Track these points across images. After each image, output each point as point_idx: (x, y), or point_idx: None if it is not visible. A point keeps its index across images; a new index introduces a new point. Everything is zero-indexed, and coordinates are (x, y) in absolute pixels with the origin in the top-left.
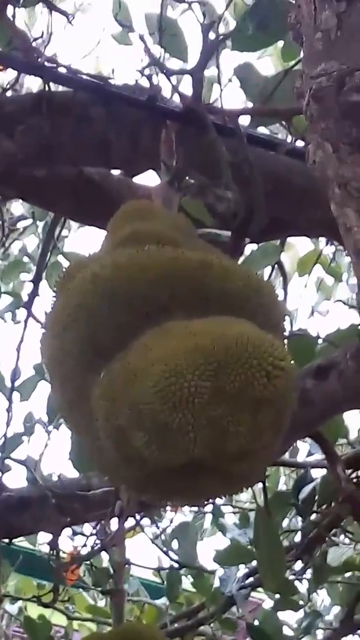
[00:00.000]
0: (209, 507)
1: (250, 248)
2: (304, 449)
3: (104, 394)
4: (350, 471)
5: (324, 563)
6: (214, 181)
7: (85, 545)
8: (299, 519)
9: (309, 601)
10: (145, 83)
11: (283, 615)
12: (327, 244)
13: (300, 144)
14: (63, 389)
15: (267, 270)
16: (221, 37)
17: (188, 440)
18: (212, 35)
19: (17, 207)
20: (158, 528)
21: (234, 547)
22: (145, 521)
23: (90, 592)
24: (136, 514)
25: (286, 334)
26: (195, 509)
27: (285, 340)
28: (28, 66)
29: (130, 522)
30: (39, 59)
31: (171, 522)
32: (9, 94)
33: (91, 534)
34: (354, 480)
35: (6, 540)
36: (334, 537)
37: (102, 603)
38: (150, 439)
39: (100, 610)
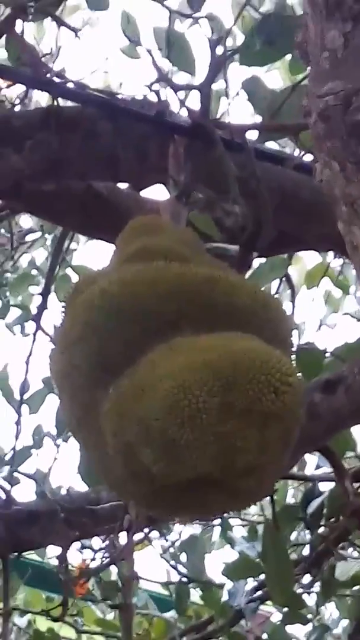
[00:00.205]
0: (217, 520)
1: (257, 261)
2: (312, 462)
3: (112, 409)
4: (358, 485)
5: (332, 577)
6: (221, 195)
7: (94, 559)
8: (307, 532)
9: (317, 614)
10: (153, 97)
11: (291, 628)
12: (334, 257)
13: (307, 158)
14: (72, 405)
15: (275, 283)
16: (229, 52)
17: (196, 456)
18: (219, 50)
19: (26, 220)
20: (166, 541)
21: (242, 560)
22: (154, 534)
23: (99, 605)
24: (145, 528)
25: (294, 347)
26: (204, 522)
27: (293, 354)
28: (36, 81)
29: (138, 535)
30: (48, 74)
31: (180, 535)
32: (17, 108)
33: (100, 549)
34: None
35: (15, 554)
36: (342, 551)
37: (110, 616)
38: (159, 454)
39: (109, 623)
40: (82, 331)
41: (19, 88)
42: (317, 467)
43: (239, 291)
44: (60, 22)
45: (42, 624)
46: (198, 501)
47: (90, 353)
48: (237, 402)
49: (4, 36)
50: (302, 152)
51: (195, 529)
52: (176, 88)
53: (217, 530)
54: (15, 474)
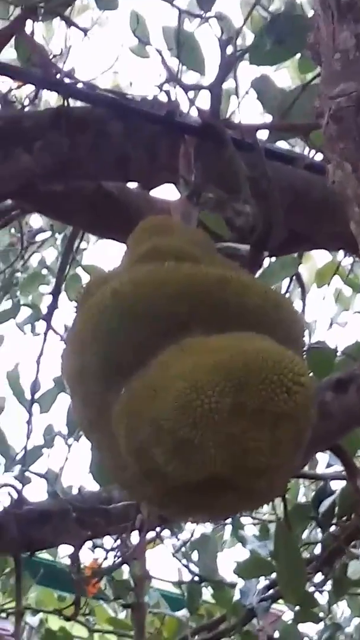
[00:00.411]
0: (228, 519)
1: (268, 261)
2: (323, 461)
3: (124, 410)
4: None
5: (344, 575)
6: (232, 195)
7: (106, 558)
8: (319, 530)
9: (329, 613)
10: (163, 97)
11: (303, 627)
12: (345, 255)
13: (318, 157)
14: (84, 406)
15: (285, 282)
16: (239, 52)
17: (208, 457)
18: (229, 50)
19: (36, 219)
20: (178, 540)
21: (254, 559)
22: (165, 533)
23: (111, 604)
24: (156, 527)
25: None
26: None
27: (304, 354)
28: (46, 82)
29: (150, 534)
30: (58, 75)
31: (192, 535)
32: (27, 109)
33: (112, 548)
34: None
35: (27, 553)
36: (354, 549)
37: (122, 615)
38: (171, 455)
39: (121, 622)
40: (94, 332)
41: (29, 88)
42: (328, 465)
43: (251, 291)
44: (69, 22)
45: (54, 623)
46: (210, 502)
47: (102, 354)
48: (249, 402)
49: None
50: (313, 152)
51: (206, 527)
52: (186, 88)
53: (228, 529)
54: (27, 474)
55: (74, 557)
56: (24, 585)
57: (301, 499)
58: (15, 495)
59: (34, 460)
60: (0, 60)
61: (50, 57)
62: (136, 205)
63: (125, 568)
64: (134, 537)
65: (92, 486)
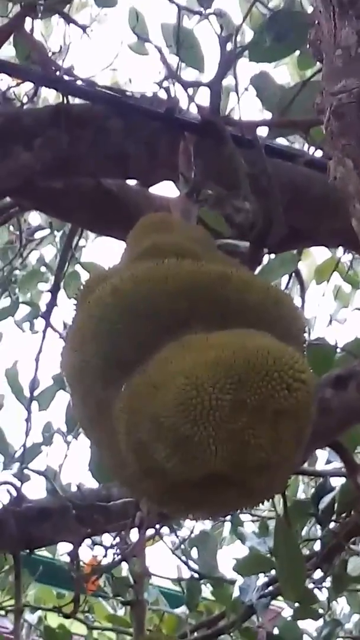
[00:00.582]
0: (228, 516)
1: (267, 257)
2: (323, 457)
3: (125, 407)
4: None
5: (343, 572)
6: (232, 192)
7: (105, 555)
8: (319, 527)
9: (328, 610)
10: (162, 94)
11: (303, 623)
12: (344, 252)
13: (318, 154)
14: (84, 403)
15: (285, 278)
16: (239, 49)
17: (209, 453)
18: (229, 47)
19: (35, 217)
20: (177, 537)
21: (253, 556)
22: (165, 530)
23: (110, 601)
24: (156, 524)
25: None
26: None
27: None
28: (45, 79)
29: (149, 531)
30: (57, 72)
31: (191, 532)
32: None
33: (111, 546)
34: None
35: (26, 551)
36: (354, 546)
37: (121, 612)
38: (172, 452)
39: (120, 619)
40: (95, 329)
41: (28, 85)
42: (328, 462)
43: (251, 288)
44: (68, 20)
45: (53, 620)
46: (210, 498)
47: (102, 351)
48: (249, 399)
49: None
50: (313, 148)
51: (205, 524)
52: (186, 85)
53: (227, 526)
54: (26, 471)
55: (73, 554)
56: (23, 583)
57: (301, 495)
58: (14, 493)
59: (33, 457)
60: None
61: (50, 54)
62: (135, 202)
63: (125, 565)
64: (133, 535)
65: (92, 483)
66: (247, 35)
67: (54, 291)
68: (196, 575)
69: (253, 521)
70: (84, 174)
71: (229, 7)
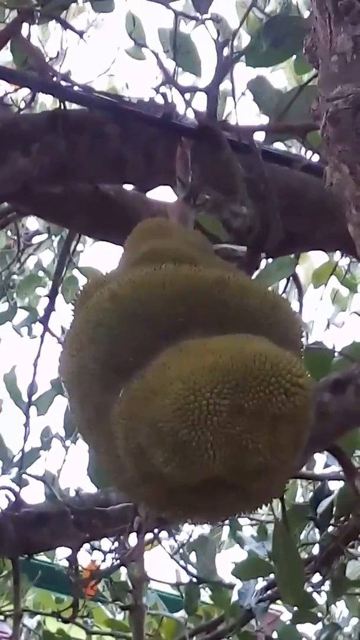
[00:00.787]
0: (226, 520)
1: (265, 262)
2: (321, 461)
3: (123, 412)
4: None
5: (342, 575)
6: (229, 197)
7: (104, 560)
8: (317, 530)
9: (327, 613)
10: (159, 99)
11: (302, 627)
12: (342, 255)
13: (315, 158)
14: (82, 407)
15: (282, 282)
16: (235, 54)
17: (207, 458)
18: (226, 52)
19: (33, 222)
20: (176, 541)
21: (252, 560)
22: (164, 534)
23: (109, 606)
24: (154, 528)
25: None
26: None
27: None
28: (43, 85)
29: (148, 536)
30: (54, 78)
31: (190, 536)
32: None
33: (110, 550)
34: None
35: (25, 556)
36: (352, 550)
37: (120, 616)
38: (170, 456)
39: (119, 623)
40: (93, 334)
41: (25, 91)
42: (326, 465)
43: (249, 293)
44: (65, 25)
45: (52, 624)
46: (209, 503)
47: (100, 356)
48: (247, 403)
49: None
50: (310, 153)
51: (204, 529)
52: (183, 90)
53: (226, 530)
54: (24, 476)
55: (72, 559)
56: (21, 588)
57: (299, 499)
58: (12, 498)
59: (32, 462)
60: None
61: (47, 59)
62: (133, 207)
63: (123, 570)
64: (132, 539)
65: (90, 488)
66: (244, 39)
67: (52, 296)
68: (195, 580)
69: (252, 525)
70: (81, 179)
71: (225, 11)
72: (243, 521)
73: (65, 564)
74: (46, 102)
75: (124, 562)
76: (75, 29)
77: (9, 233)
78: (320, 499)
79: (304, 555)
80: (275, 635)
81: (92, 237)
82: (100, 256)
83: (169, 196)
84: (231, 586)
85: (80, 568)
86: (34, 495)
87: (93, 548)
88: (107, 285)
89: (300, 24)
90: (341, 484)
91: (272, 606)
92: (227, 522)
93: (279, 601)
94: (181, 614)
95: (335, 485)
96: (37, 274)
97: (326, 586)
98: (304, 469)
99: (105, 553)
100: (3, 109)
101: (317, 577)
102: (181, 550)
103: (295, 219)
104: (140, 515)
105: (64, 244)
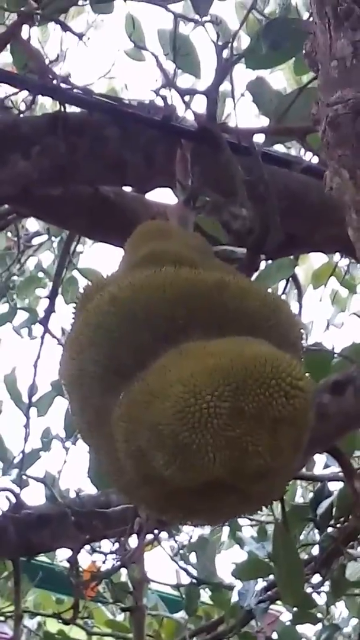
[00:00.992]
0: (226, 521)
1: (264, 263)
2: (321, 462)
3: (123, 415)
4: None
5: (342, 576)
6: (229, 199)
7: (105, 561)
8: (317, 531)
9: (327, 614)
10: (159, 102)
11: (301, 628)
12: (341, 256)
13: (315, 160)
14: (82, 410)
15: (282, 283)
16: (235, 56)
17: (207, 461)
18: (225, 53)
19: (33, 223)
20: (176, 542)
21: (252, 561)
22: (164, 535)
23: (109, 607)
24: (155, 529)
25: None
26: None
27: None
28: (43, 88)
29: (148, 537)
30: (54, 81)
31: (190, 537)
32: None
33: (110, 552)
34: None
35: (26, 557)
36: (352, 550)
37: (120, 617)
38: (170, 459)
39: (119, 624)
40: (93, 337)
41: (25, 93)
42: (326, 466)
43: (249, 295)
44: (65, 27)
45: (52, 625)
46: (210, 505)
47: (101, 358)
48: (247, 406)
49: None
50: (310, 154)
51: (204, 530)
52: (182, 93)
53: (226, 531)
54: (25, 477)
55: (73, 560)
56: (22, 589)
57: (299, 500)
58: (13, 499)
59: (32, 463)
60: None
61: (47, 62)
62: (133, 209)
63: (124, 571)
64: (132, 540)
65: (90, 489)
66: (244, 40)
67: (52, 297)
68: (195, 581)
69: (252, 526)
70: (81, 182)
71: (224, 12)
72: (243, 522)
73: (66, 565)
74: (46, 104)
75: (124, 563)
76: (75, 31)
77: (9, 234)
78: (320, 500)
79: (303, 556)
80: (275, 635)
81: (92, 239)
82: (100, 257)
83: (169, 198)
84: (231, 587)
85: (80, 569)
86: (35, 496)
87: (93, 549)
88: (107, 288)
89: (299, 26)
90: (341, 484)
91: (272, 607)
92: (227, 523)
93: (279, 602)
94: (181, 615)
95: (335, 486)
96: (37, 275)
97: (326, 587)
98: (304, 469)
99: (105, 554)
100: (3, 112)
101: (317, 578)
102: (181, 551)
103: (294, 221)
104: (141, 516)
105: (63, 245)
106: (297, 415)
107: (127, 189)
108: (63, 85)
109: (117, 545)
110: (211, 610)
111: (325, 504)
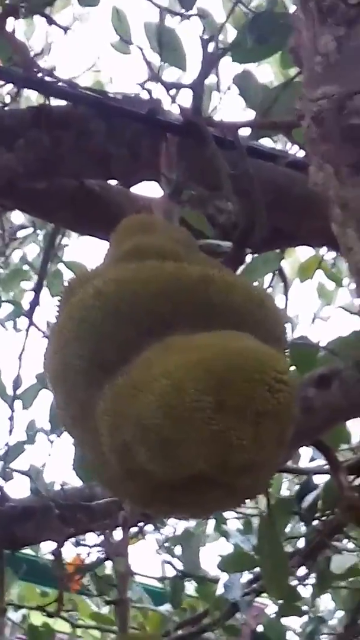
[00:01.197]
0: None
1: (250, 257)
2: (306, 455)
3: (107, 409)
4: (352, 478)
5: (327, 569)
6: (214, 193)
7: (89, 554)
8: (302, 524)
9: (312, 606)
10: (144, 95)
11: (287, 620)
12: (328, 250)
13: (301, 154)
14: (66, 404)
15: (268, 276)
16: (221, 49)
17: (191, 454)
18: (211, 47)
19: (18, 216)
20: (161, 535)
21: (237, 553)
22: (149, 527)
23: (94, 599)
24: (139, 522)
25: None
26: None
27: (287, 350)
28: (27, 81)
29: (133, 530)
30: (39, 74)
31: (175, 530)
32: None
33: (95, 545)
34: (357, 486)
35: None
36: (337, 543)
37: (105, 610)
38: (154, 453)
39: (103, 617)
40: (77, 331)
41: (10, 86)
42: (312, 459)
43: (234, 289)
44: (50, 20)
45: (37, 618)
46: (194, 499)
47: (85, 352)
48: (231, 400)
49: None
50: (295, 148)
51: (189, 522)
52: (168, 86)
53: (211, 523)
54: (9, 470)
55: (57, 553)
56: (6, 582)
57: (284, 493)
58: None
59: (16, 456)
60: None
61: (32, 54)
62: (118, 203)
63: (109, 564)
64: (117, 534)
65: (75, 482)
66: (230, 33)
67: (37, 290)
68: (180, 574)
69: (237, 518)
70: (66, 175)
71: (211, 5)
72: (228, 515)
73: (50, 557)
74: (32, 97)
75: (109, 556)
76: (60, 24)
77: None
78: (305, 493)
79: (289, 548)
80: (260, 628)
81: (77, 232)
82: (86, 250)
83: (154, 192)
84: (216, 580)
85: (65, 562)
86: (19, 489)
87: (78, 542)
88: (92, 282)
89: (285, 20)
90: (326, 478)
91: (257, 599)
92: (212, 516)
93: (264, 594)
94: (166, 608)
95: (320, 479)
96: (22, 268)
97: (311, 579)
98: (289, 462)
99: (90, 547)
100: None
101: (302, 571)
102: (166, 544)
103: (280, 215)
104: (125, 509)
105: (49, 238)
106: (281, 409)
107: (113, 182)
108: (48, 79)
109: (101, 538)
110: (196, 603)
111: (310, 497)
